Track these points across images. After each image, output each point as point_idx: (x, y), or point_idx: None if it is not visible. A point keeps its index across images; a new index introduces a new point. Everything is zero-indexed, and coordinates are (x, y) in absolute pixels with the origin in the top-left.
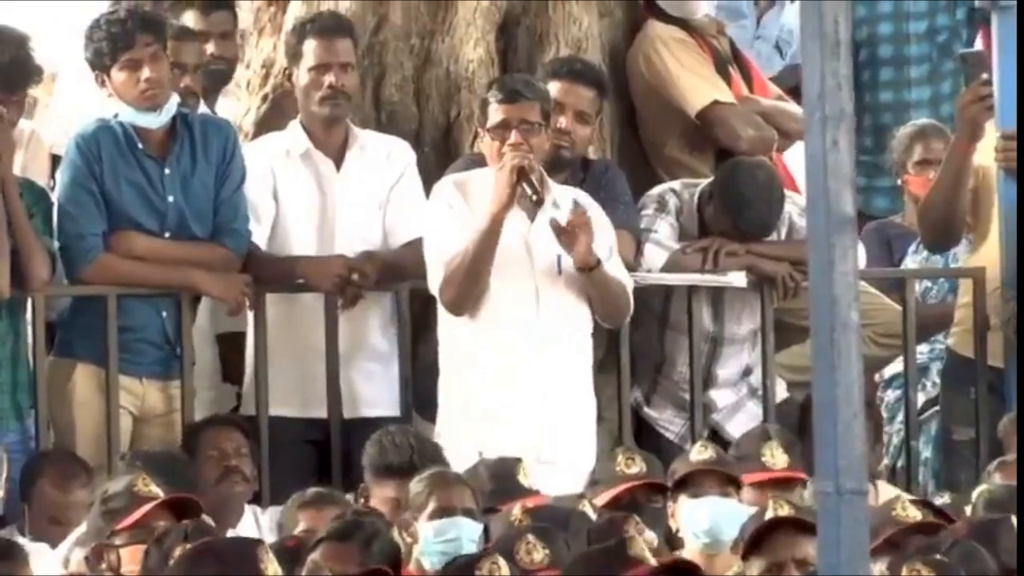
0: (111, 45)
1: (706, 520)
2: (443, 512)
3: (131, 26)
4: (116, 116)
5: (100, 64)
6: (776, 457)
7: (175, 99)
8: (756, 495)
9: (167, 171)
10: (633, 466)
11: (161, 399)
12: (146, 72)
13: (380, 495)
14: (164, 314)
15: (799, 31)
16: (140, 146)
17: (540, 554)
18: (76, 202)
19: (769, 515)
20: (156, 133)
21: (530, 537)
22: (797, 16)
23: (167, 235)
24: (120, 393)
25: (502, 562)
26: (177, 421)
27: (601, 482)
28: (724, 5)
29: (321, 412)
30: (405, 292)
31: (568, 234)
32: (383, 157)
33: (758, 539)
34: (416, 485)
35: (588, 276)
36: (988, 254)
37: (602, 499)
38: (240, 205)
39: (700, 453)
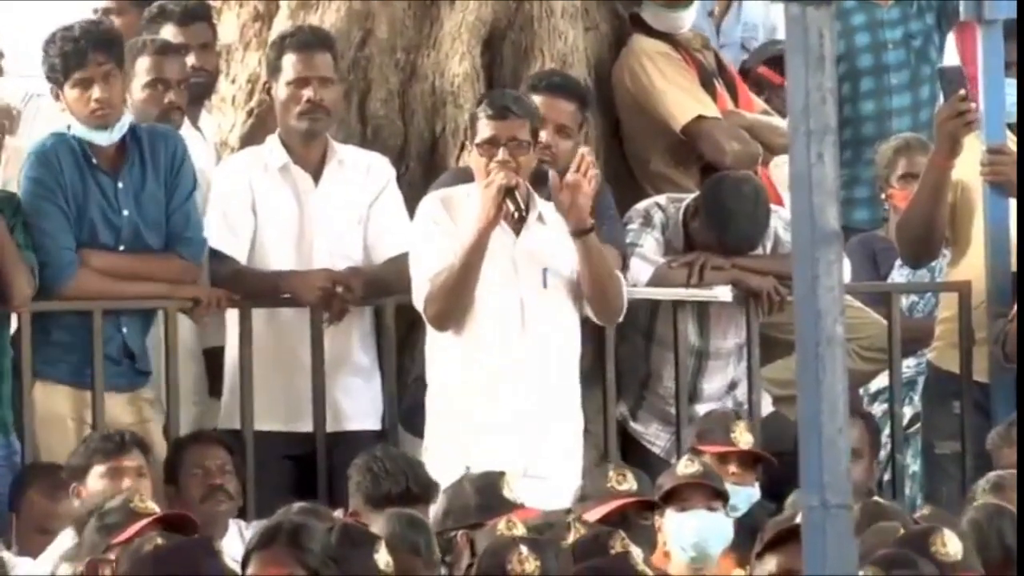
0: (63, 62)
1: (693, 534)
2: None
3: (84, 44)
4: (70, 129)
5: (54, 79)
6: (742, 436)
7: (127, 117)
8: (717, 467)
9: (120, 185)
10: (625, 483)
11: (128, 411)
12: (96, 92)
13: (375, 523)
14: (125, 330)
15: (762, 24)
16: (94, 161)
17: (532, 565)
18: (48, 216)
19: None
20: (108, 149)
21: (522, 548)
22: (761, 8)
23: (122, 248)
24: (82, 408)
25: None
26: (150, 431)
27: (590, 497)
28: None
29: (301, 426)
30: (391, 307)
31: (565, 191)
32: (362, 172)
33: (779, 540)
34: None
35: (581, 242)
36: (968, 269)
37: (593, 515)
38: (192, 213)
39: (687, 467)
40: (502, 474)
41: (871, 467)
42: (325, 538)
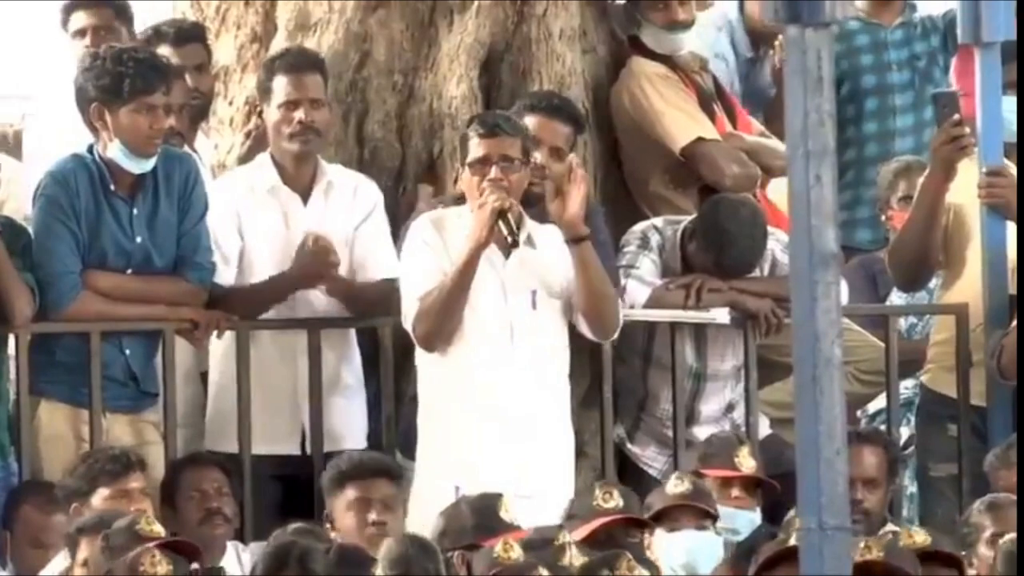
0: (133, 83)
1: (683, 554)
2: None
3: (156, 71)
4: (91, 152)
5: (107, 98)
6: (745, 461)
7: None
8: (720, 491)
9: (135, 211)
10: (611, 500)
11: (129, 432)
12: (160, 121)
13: (343, 503)
14: (128, 352)
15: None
16: (112, 187)
17: None
18: (57, 237)
19: (792, 542)
20: (128, 176)
21: (542, 572)
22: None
23: (129, 271)
24: (82, 427)
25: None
26: (151, 453)
27: (578, 516)
28: None
29: (283, 448)
30: (388, 329)
31: (557, 200)
32: (350, 193)
33: (774, 562)
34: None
35: (576, 249)
36: (962, 292)
37: (579, 533)
38: (202, 237)
39: (676, 486)
40: (499, 496)
41: (886, 495)
42: (325, 560)
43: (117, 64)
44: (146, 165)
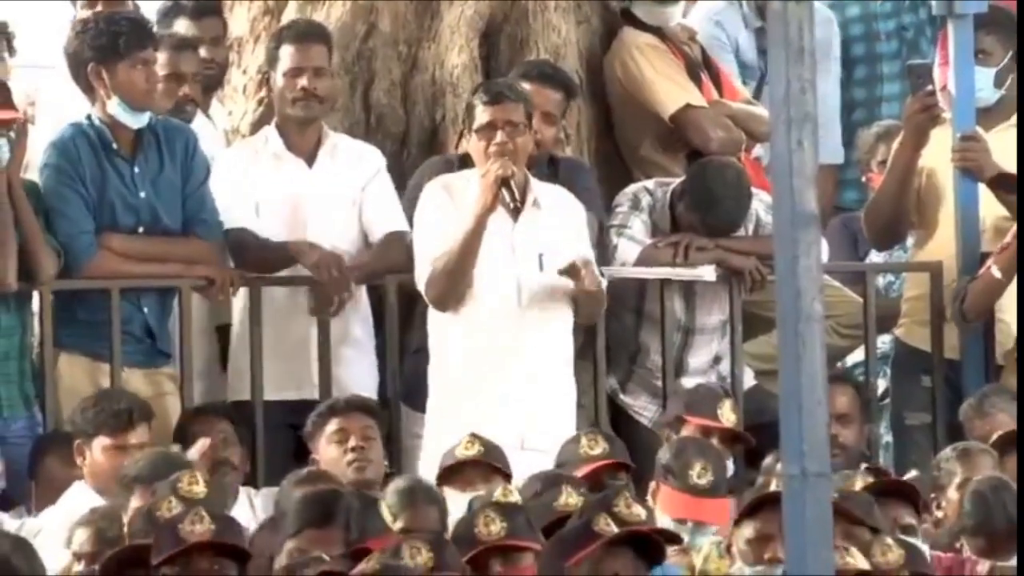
0: (128, 40)
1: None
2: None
3: (147, 29)
4: (89, 117)
5: (104, 56)
6: (727, 415)
7: None
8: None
9: (137, 169)
10: (596, 447)
11: (145, 383)
12: (155, 75)
13: (324, 437)
14: (146, 310)
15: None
16: (114, 146)
17: (498, 526)
18: (68, 201)
19: (774, 488)
20: (128, 134)
21: (489, 511)
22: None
23: (141, 229)
24: (101, 379)
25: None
26: (167, 405)
27: (566, 464)
28: None
29: (295, 394)
30: (392, 287)
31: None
32: (355, 158)
33: (756, 507)
34: (390, 498)
35: (592, 296)
36: (935, 250)
37: None
38: (207, 197)
39: (701, 476)
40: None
41: (862, 431)
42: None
43: (111, 24)
44: (143, 119)
